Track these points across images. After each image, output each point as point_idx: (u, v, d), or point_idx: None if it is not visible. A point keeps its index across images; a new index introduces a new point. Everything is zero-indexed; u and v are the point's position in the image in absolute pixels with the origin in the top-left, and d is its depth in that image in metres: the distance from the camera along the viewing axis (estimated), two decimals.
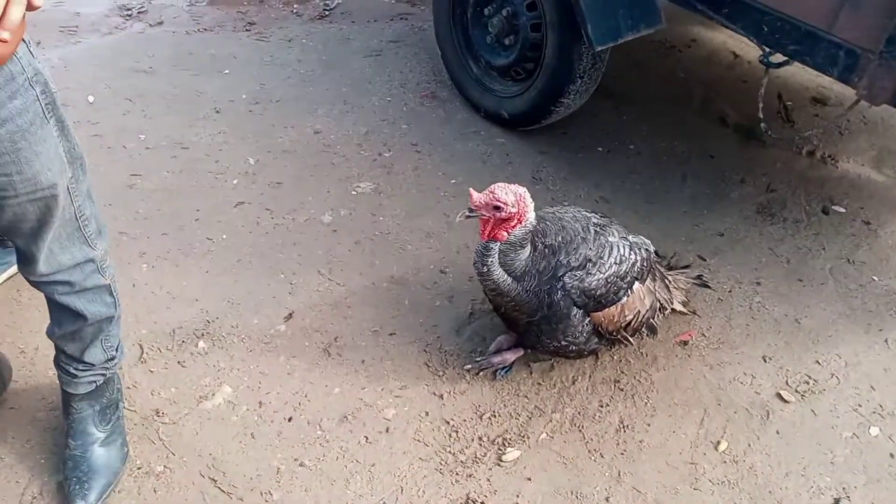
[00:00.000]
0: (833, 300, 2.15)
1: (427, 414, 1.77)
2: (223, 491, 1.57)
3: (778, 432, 1.80)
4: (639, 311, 1.73)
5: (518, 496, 1.62)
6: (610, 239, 1.70)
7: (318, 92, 2.95)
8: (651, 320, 1.81)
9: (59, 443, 1.59)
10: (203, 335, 1.89)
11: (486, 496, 1.61)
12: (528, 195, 1.59)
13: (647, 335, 1.87)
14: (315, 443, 1.68)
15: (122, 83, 2.95)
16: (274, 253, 2.17)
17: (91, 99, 2.84)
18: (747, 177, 2.61)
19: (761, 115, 2.16)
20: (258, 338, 1.90)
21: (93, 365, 1.50)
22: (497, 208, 1.55)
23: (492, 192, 1.56)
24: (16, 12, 0.99)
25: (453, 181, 2.52)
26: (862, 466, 1.73)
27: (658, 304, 1.81)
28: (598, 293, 1.65)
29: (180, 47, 3.27)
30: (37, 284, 1.36)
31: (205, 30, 3.46)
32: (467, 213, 1.59)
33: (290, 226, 2.28)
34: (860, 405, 1.87)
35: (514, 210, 1.56)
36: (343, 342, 1.92)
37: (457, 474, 1.65)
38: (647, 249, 1.76)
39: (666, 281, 1.90)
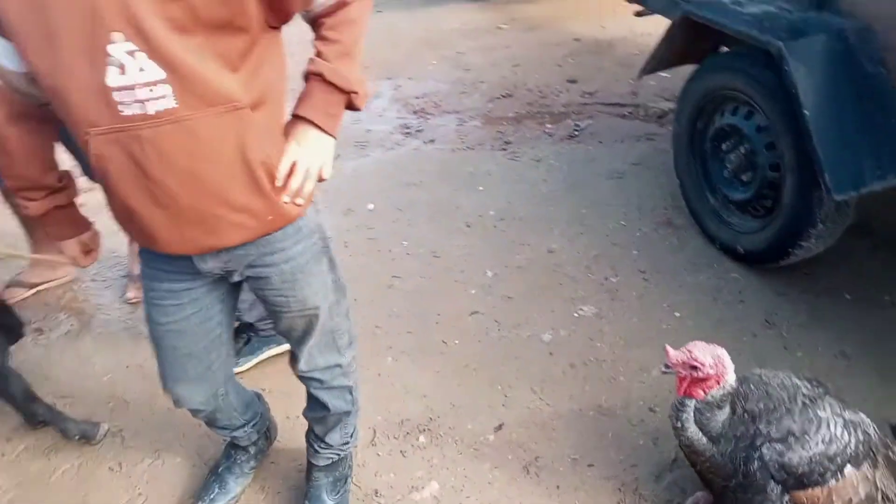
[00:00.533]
0: None
1: None
2: None
3: None
4: (850, 500, 1.60)
5: None
6: (820, 413, 1.62)
7: (557, 211, 3.20)
8: None
9: (299, 500, 1.94)
10: (425, 430, 2.16)
11: None
12: (727, 357, 1.62)
13: None
14: None
15: (396, 194, 3.50)
16: (496, 364, 2.40)
17: (371, 206, 3.41)
18: None
19: None
20: (469, 442, 2.12)
21: (331, 445, 1.83)
22: (694, 367, 1.60)
23: (690, 351, 1.61)
24: (309, 186, 1.37)
25: (678, 314, 2.55)
26: None
27: (880, 496, 1.65)
28: (799, 471, 1.57)
29: (445, 164, 3.77)
30: (299, 377, 1.74)
31: (468, 148, 3.96)
32: (663, 369, 1.65)
33: (513, 339, 2.50)
34: None
35: (711, 371, 1.60)
36: (543, 463, 2.05)
37: None
38: (865, 431, 1.63)
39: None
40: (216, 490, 1.92)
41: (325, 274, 1.53)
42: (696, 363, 1.60)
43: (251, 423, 1.91)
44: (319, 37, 1.34)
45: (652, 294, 2.65)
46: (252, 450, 1.98)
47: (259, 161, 1.28)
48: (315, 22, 1.34)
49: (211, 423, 1.83)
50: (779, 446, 1.59)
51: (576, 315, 2.59)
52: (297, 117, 1.36)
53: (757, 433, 1.61)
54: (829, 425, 1.61)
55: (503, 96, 4.57)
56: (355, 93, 1.36)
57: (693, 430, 1.66)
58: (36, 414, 2.11)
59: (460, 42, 5.42)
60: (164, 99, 1.15)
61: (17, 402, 2.09)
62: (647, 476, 2.00)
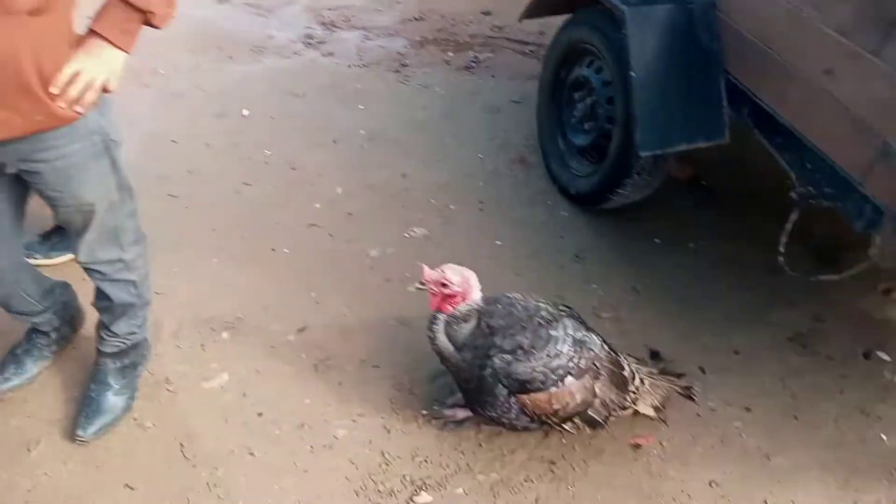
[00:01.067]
0: (821, 447, 2.03)
1: (370, 442, 2.01)
2: (184, 455, 1.95)
3: None
4: (567, 403, 1.81)
5: None
6: (552, 332, 1.81)
7: (425, 139, 3.29)
8: (590, 414, 1.87)
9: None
10: (230, 328, 2.31)
11: None
12: (474, 278, 1.79)
13: (586, 427, 1.93)
14: (269, 439, 2.00)
15: (276, 103, 3.53)
16: (317, 274, 2.54)
17: (245, 112, 3.44)
18: (801, 302, 2.47)
19: (782, 250, 2.09)
20: (269, 341, 2.27)
21: (117, 334, 1.96)
22: (444, 285, 1.77)
23: (442, 271, 1.77)
24: (91, 97, 1.44)
25: (499, 243, 2.71)
26: None
27: (600, 403, 1.86)
28: (522, 378, 1.77)
29: (336, 78, 3.80)
30: (82, 267, 1.84)
31: (364, 65, 3.97)
32: (418, 285, 1.81)
33: (341, 252, 2.63)
34: None
35: (458, 290, 1.77)
36: (333, 363, 2.22)
37: (369, 500, 1.88)
38: (591, 349, 1.84)
39: (629, 384, 1.94)
40: (11, 370, 2.04)
41: (104, 174, 1.61)
42: (446, 281, 1.76)
43: (51, 310, 2.01)
44: None
45: (483, 223, 2.80)
46: (54, 335, 2.09)
47: (32, 64, 1.33)
48: None
49: (6, 307, 1.92)
50: (507, 357, 1.78)
51: (406, 236, 2.73)
52: (91, 32, 1.42)
53: (492, 345, 1.80)
54: (557, 343, 1.80)
55: (415, 19, 4.55)
56: (151, 12, 1.42)
57: (442, 340, 1.83)
58: None
59: None
60: None
61: None
62: (423, 378, 2.19)
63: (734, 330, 2.38)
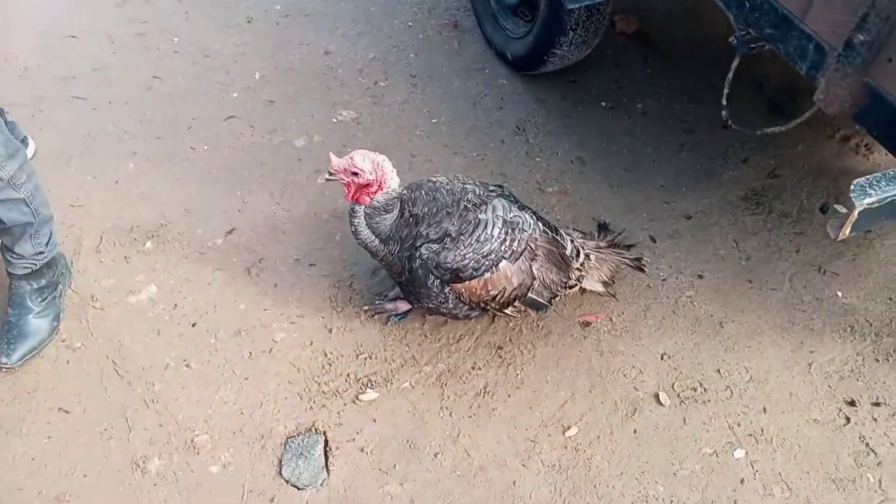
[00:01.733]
0: (775, 309, 2.02)
1: (311, 343, 1.96)
2: (118, 373, 1.87)
3: (635, 431, 1.80)
4: (504, 289, 1.75)
5: (358, 433, 1.79)
6: (480, 216, 1.71)
7: (346, 9, 3.01)
8: (531, 297, 1.81)
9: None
10: (153, 237, 2.17)
11: (329, 427, 1.80)
12: (387, 163, 1.65)
13: (529, 311, 1.89)
14: (206, 349, 1.93)
15: None
16: (241, 170, 2.37)
17: None
18: (754, 157, 2.39)
19: (724, 102, 1.96)
20: (196, 247, 2.15)
21: (23, 256, 1.81)
22: (355, 174, 1.63)
23: (351, 159, 1.63)
24: None
25: (434, 120, 2.54)
26: (704, 485, 1.71)
27: (541, 284, 1.80)
28: (452, 266, 1.69)
29: None
30: None
31: None
32: (327, 176, 1.67)
33: (265, 145, 2.45)
34: (739, 424, 1.80)
35: (371, 177, 1.63)
36: (265, 265, 2.12)
37: (313, 402, 1.84)
38: (524, 230, 1.74)
39: (572, 262, 1.87)
40: None
41: None
42: (356, 169, 1.63)
43: None
44: None
45: (416, 100, 2.61)
46: None
47: None
48: None
49: None
50: (435, 246, 1.69)
51: (334, 121, 2.54)
52: None
53: (418, 235, 1.70)
54: (486, 227, 1.71)
55: None
56: None
57: (365, 233, 1.73)
58: None
59: None
60: None
61: None
62: (363, 273, 2.11)
63: (685, 193, 2.30)
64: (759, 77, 2.58)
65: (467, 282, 1.72)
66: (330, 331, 1.98)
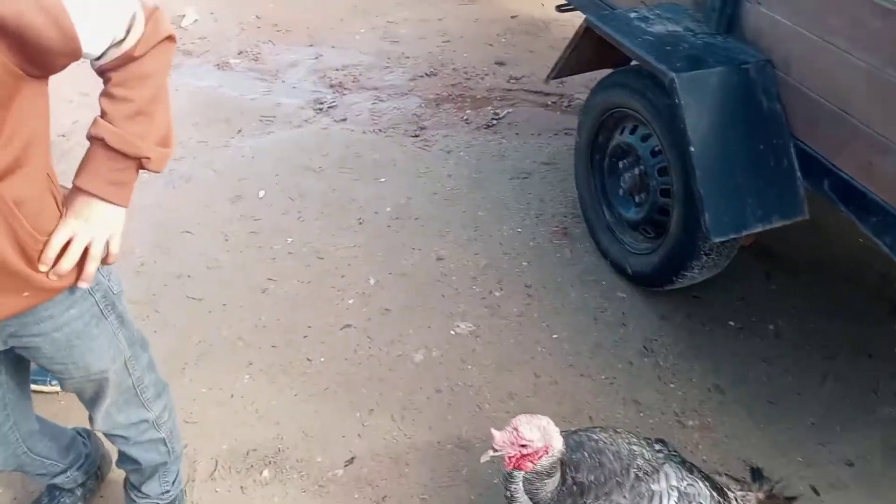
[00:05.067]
0: None
1: None
2: None
3: None
4: None
5: None
6: (654, 487, 1.54)
7: (455, 213, 3.05)
8: None
9: None
10: (270, 463, 2.04)
11: None
12: (551, 426, 1.53)
13: None
14: None
15: (291, 181, 3.30)
16: (358, 387, 2.27)
17: (261, 194, 3.20)
18: None
19: None
20: (315, 478, 2.00)
21: (149, 496, 1.70)
22: (523, 446, 1.51)
23: (516, 430, 1.51)
24: (92, 268, 1.19)
25: (555, 336, 2.46)
26: None
27: None
28: None
29: (351, 148, 3.57)
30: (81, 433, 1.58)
31: (379, 131, 3.75)
32: (491, 454, 1.54)
33: (382, 359, 2.37)
34: None
35: (540, 445, 1.50)
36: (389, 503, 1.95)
37: None
38: (701, 503, 1.57)
39: None
40: None
41: (111, 334, 1.35)
42: (524, 441, 1.50)
43: (74, 467, 1.75)
44: (106, 94, 1.14)
45: (533, 312, 2.55)
46: (79, 491, 1.83)
47: (7, 238, 1.07)
48: (102, 76, 1.15)
49: (24, 472, 1.66)
50: None
51: (452, 333, 2.47)
52: (76, 188, 1.17)
53: None
54: (661, 500, 1.53)
55: (427, 74, 4.35)
56: (146, 158, 1.17)
57: (523, 500, 1.57)
58: None
59: (393, 11, 5.13)
60: None
61: None
62: None
63: (840, 434, 2.11)
64: None
65: None
66: None
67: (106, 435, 1.57)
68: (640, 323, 2.50)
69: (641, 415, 2.20)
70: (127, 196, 1.20)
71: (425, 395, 2.25)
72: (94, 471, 1.87)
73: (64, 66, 1.07)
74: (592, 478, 1.54)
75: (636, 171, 2.48)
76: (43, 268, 1.14)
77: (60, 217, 1.16)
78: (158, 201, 3.15)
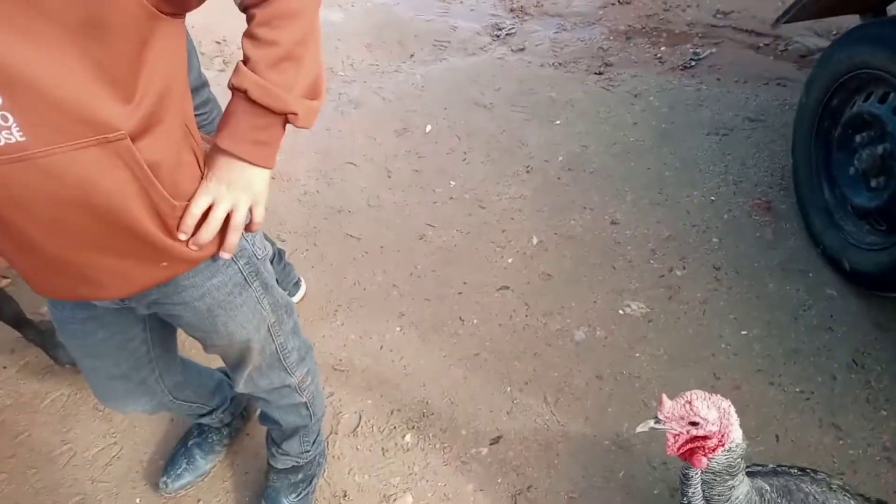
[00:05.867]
0: None
1: None
2: None
3: None
4: None
5: None
6: None
7: (637, 170, 2.72)
8: None
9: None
10: (413, 428, 1.95)
11: None
12: (733, 411, 1.25)
13: None
14: None
15: (459, 117, 3.10)
16: (511, 358, 2.11)
17: (428, 129, 3.04)
18: None
19: None
20: (458, 453, 1.89)
21: (289, 453, 1.66)
22: (693, 423, 1.24)
23: (689, 404, 1.24)
24: (234, 239, 1.07)
25: (744, 332, 2.12)
26: None
27: None
28: None
29: (526, 83, 3.29)
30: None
31: (559, 64, 3.42)
32: (653, 424, 1.29)
33: (539, 330, 2.18)
34: None
35: (714, 429, 1.23)
36: (535, 495, 1.80)
37: None
38: None
39: None
40: (183, 465, 1.82)
41: (255, 302, 1.25)
42: (696, 419, 1.24)
43: (220, 409, 1.76)
44: (248, 34, 0.97)
45: (720, 300, 2.21)
46: (225, 430, 1.86)
47: (143, 204, 0.96)
48: (245, 12, 0.98)
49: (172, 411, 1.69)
50: None
51: (621, 312, 2.21)
52: (216, 148, 1.03)
53: None
54: None
55: (618, 2, 3.90)
56: (293, 113, 1.00)
57: None
58: (26, 336, 2.06)
59: None
60: (4, 130, 0.83)
61: (9, 323, 2.04)
62: None
63: None
64: None
65: None
66: None
67: (247, 396, 1.52)
68: (850, 330, 2.09)
69: (841, 442, 1.85)
70: (272, 157, 1.04)
71: (584, 379, 2.04)
72: (240, 412, 1.87)
73: (200, 1, 0.92)
74: None
75: (879, 149, 2.01)
76: (182, 237, 1.03)
77: (201, 177, 1.04)
78: (326, 125, 3.10)
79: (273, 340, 1.35)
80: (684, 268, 2.32)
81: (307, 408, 1.56)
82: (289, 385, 1.47)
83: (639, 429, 1.32)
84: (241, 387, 1.42)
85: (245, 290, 1.21)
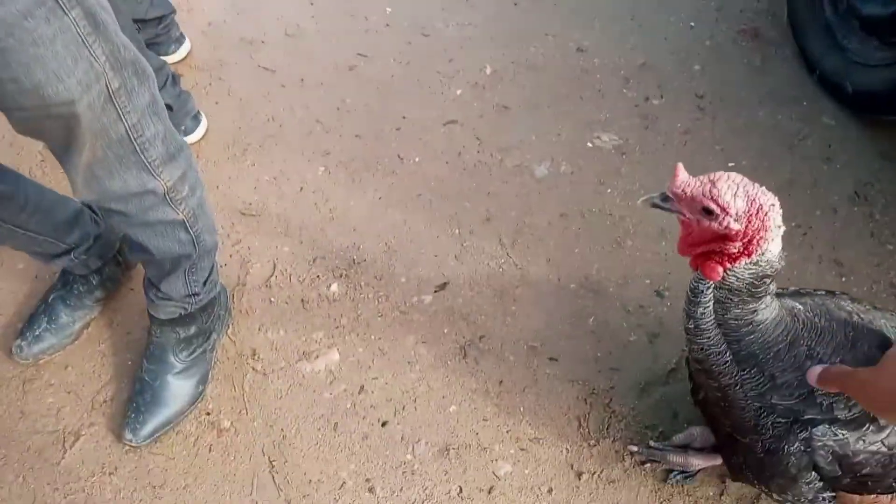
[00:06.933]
0: None
1: (550, 492, 1.31)
2: (274, 482, 1.31)
3: None
4: None
5: None
6: None
7: None
8: None
9: None
10: (341, 276, 1.60)
11: None
12: (774, 212, 0.88)
13: None
14: (399, 468, 1.33)
15: None
16: (460, 198, 1.75)
17: None
18: None
19: None
20: (396, 302, 1.55)
21: (170, 297, 1.28)
22: (709, 212, 0.89)
23: (712, 184, 0.88)
24: None
25: (731, 164, 1.81)
26: None
27: None
28: (862, 470, 0.97)
29: None
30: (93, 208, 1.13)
31: None
32: (656, 200, 0.94)
33: (494, 168, 1.82)
34: None
35: (737, 226, 0.88)
36: (488, 346, 1.49)
37: None
38: None
39: None
40: (44, 324, 1.43)
41: (77, 39, 0.83)
42: (715, 205, 0.87)
43: (82, 248, 1.36)
44: None
45: (703, 130, 1.89)
46: (94, 279, 1.46)
47: None
48: None
49: (13, 248, 1.28)
50: (842, 433, 0.97)
51: (589, 145, 1.86)
52: None
53: (812, 402, 0.98)
54: None
55: None
56: None
57: (712, 336, 1.00)
58: None
59: None
60: None
61: None
62: (628, 386, 1.43)
63: None
64: None
65: (873, 496, 1.00)
66: (578, 476, 1.33)
67: (99, 210, 1.12)
68: (852, 160, 1.81)
69: (843, 280, 1.59)
70: None
71: (546, 218, 1.71)
72: (113, 254, 1.47)
73: None
74: (837, 361, 0.97)
75: None
76: None
77: None
78: None
79: (120, 116, 0.94)
80: (662, 96, 1.97)
81: (186, 229, 1.16)
82: (153, 191, 1.06)
83: (640, 200, 0.95)
84: (82, 187, 1.01)
85: (55, 16, 0.79)
